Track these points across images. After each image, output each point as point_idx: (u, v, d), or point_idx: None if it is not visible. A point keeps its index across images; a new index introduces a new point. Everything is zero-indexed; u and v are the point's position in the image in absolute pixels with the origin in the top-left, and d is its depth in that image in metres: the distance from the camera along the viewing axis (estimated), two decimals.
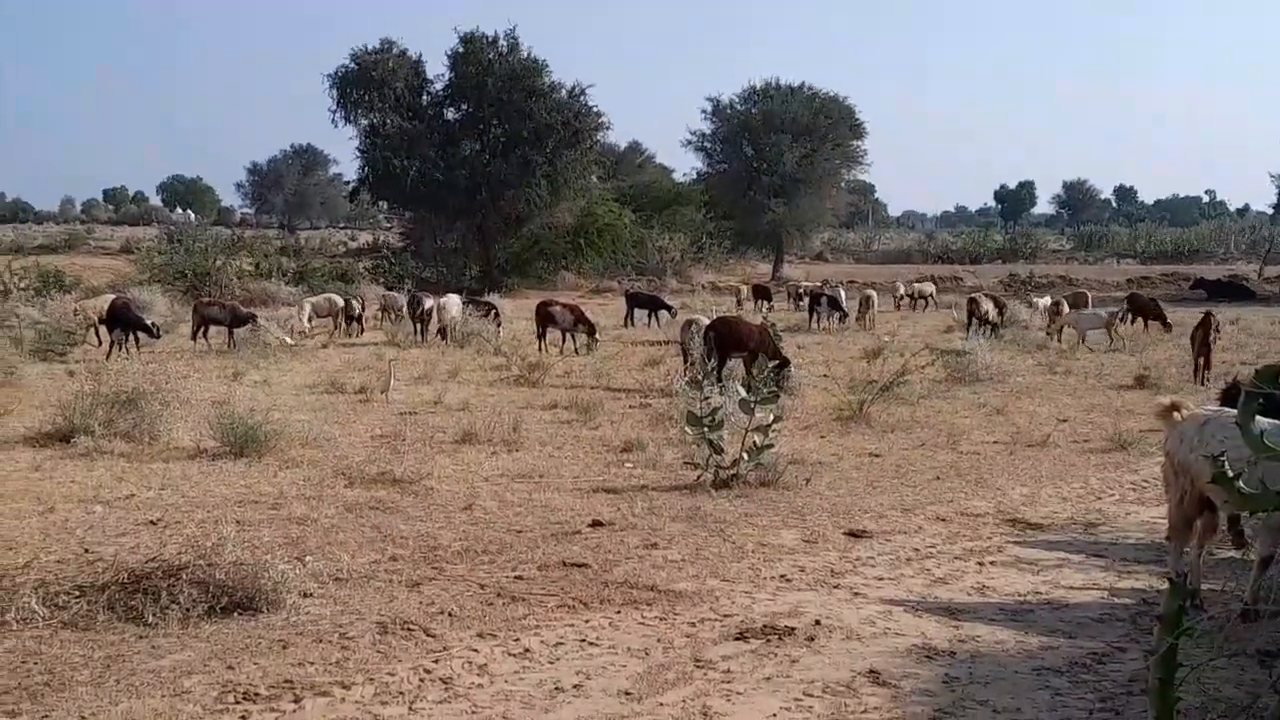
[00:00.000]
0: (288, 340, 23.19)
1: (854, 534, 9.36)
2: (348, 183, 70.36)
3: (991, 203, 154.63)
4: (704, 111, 67.80)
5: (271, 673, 6.05)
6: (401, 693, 5.85)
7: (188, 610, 6.76)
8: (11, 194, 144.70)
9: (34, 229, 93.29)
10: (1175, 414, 7.86)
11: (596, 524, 9.45)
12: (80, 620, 6.67)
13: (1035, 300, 34.03)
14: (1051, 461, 12.63)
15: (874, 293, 34.60)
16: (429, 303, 27.09)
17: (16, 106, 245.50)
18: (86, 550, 8.31)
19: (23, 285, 35.82)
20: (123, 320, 22.89)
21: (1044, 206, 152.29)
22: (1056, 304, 30.10)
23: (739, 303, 38.24)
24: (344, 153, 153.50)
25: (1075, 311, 29.00)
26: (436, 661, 6.28)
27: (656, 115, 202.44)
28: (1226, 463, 3.82)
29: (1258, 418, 5.13)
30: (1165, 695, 3.28)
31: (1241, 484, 3.83)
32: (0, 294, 33.57)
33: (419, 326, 26.52)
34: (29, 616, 6.61)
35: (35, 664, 6.11)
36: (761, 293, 40.58)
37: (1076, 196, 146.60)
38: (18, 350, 20.37)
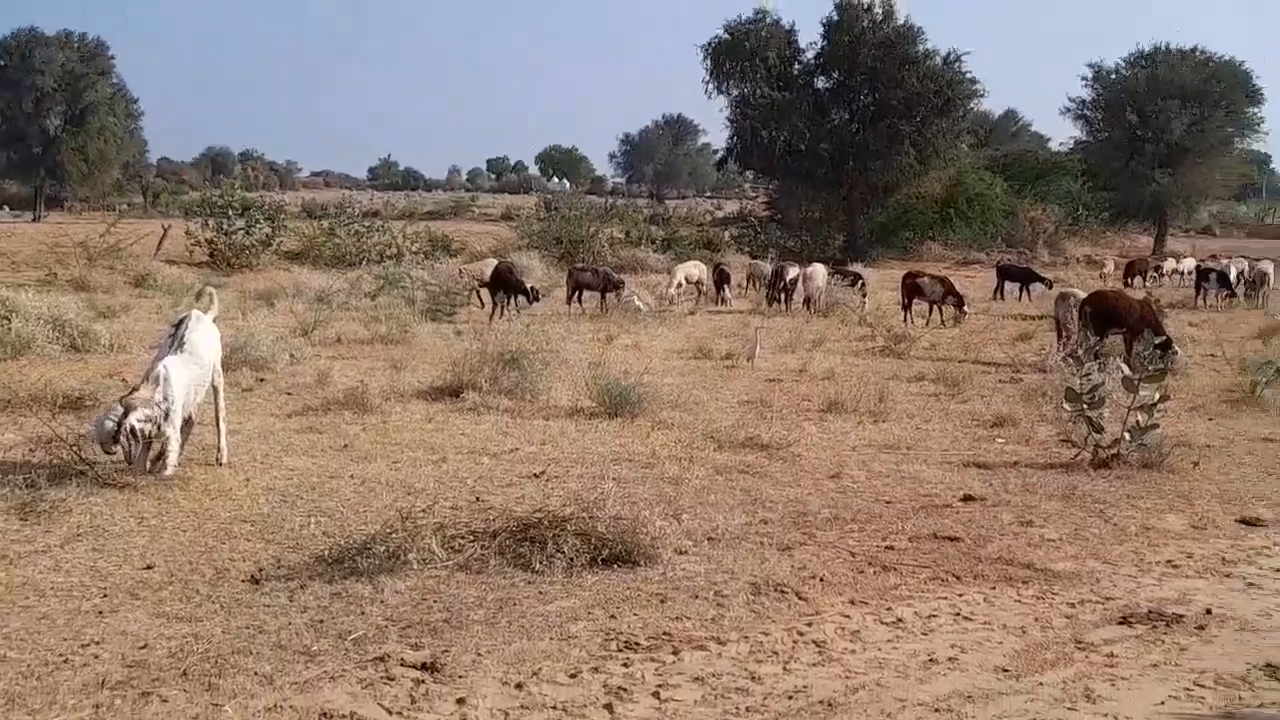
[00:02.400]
0: (648, 305, 23.67)
1: (1248, 522, 8.80)
2: (715, 152, 71.47)
3: None
4: (1084, 79, 65.29)
5: (651, 624, 6.25)
6: (775, 652, 5.92)
7: (571, 560, 7.06)
8: (404, 164, 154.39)
9: (423, 196, 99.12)
10: None
11: (968, 498, 9.26)
12: (474, 564, 7.06)
13: (1230, 265, 31.22)
14: None
15: (1270, 268, 32.23)
16: (793, 272, 27.20)
17: (408, 79, 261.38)
18: (478, 499, 8.81)
19: (414, 249, 38.25)
20: (505, 284, 24.06)
21: None
22: None
23: (1103, 278, 36.08)
24: (713, 123, 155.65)
25: None
26: (809, 625, 6.33)
27: (1034, 82, 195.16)
28: None
29: None
30: None
31: None
32: (394, 257, 35.96)
33: (783, 296, 26.67)
34: (429, 558, 7.04)
35: (435, 602, 6.52)
36: (1134, 269, 38.31)
37: None
38: (410, 310, 21.75)
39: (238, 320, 17.43)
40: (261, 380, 14.19)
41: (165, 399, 8.70)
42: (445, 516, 7.85)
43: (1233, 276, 30.55)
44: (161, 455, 8.76)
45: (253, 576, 6.91)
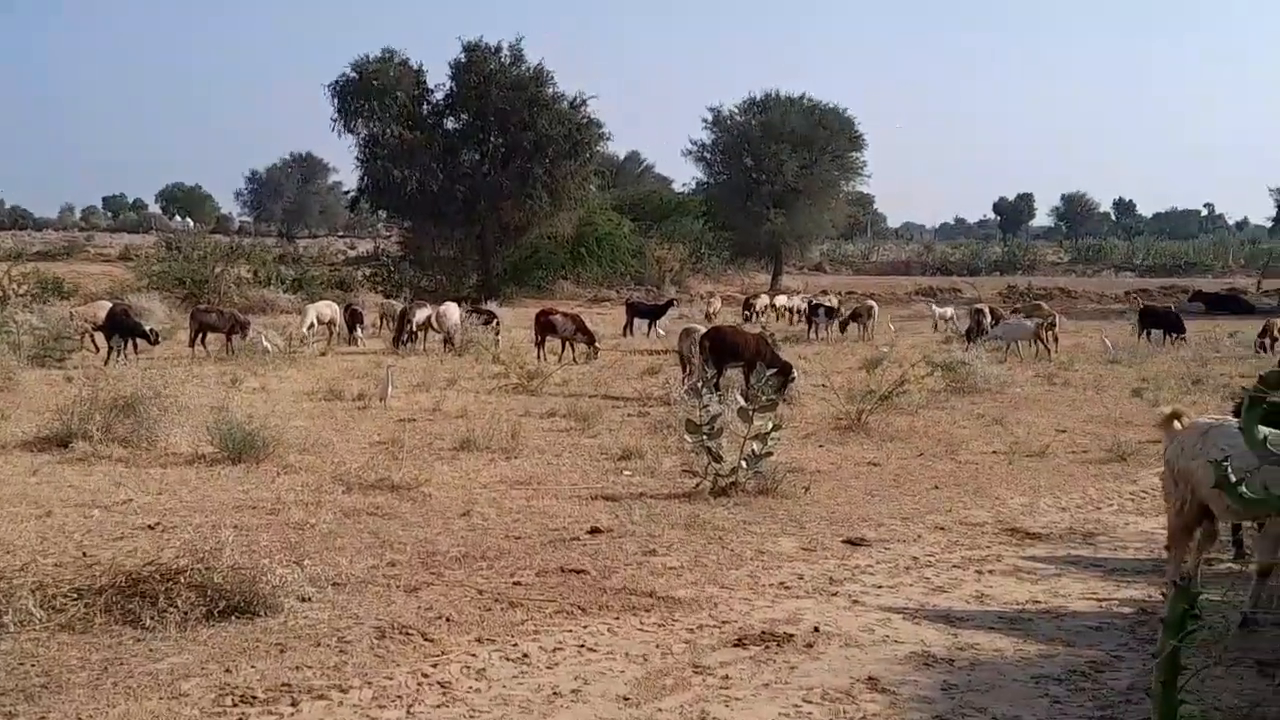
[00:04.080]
0: (277, 347, 22.99)
1: (853, 542, 9.35)
2: (347, 192, 70.38)
3: (990, 215, 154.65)
4: (704, 121, 67.92)
5: (269, 676, 6.04)
6: (399, 696, 5.84)
7: (185, 614, 6.75)
8: (11, 200, 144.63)
9: (33, 235, 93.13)
10: (1176, 423, 7.90)
11: (595, 531, 9.43)
12: (77, 623, 6.65)
13: (935, 308, 34.41)
14: (1050, 472, 12.61)
15: (874, 304, 34.59)
16: (422, 313, 27.09)
17: (17, 113, 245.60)
18: (84, 554, 8.31)
19: (21, 291, 35.81)
20: (121, 326, 22.87)
21: (1043, 219, 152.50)
22: (979, 313, 29.42)
23: (709, 317, 36.77)
24: (344, 161, 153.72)
25: (1002, 322, 28.46)
26: (434, 666, 6.27)
27: (656, 126, 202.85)
28: (1230, 468, 3.83)
29: (1261, 426, 5.12)
30: (1168, 698, 3.28)
31: (1244, 489, 3.83)
32: None
33: (408, 337, 26.47)
34: (26, 619, 6.59)
35: (32, 666, 6.09)
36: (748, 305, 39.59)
37: (1075, 209, 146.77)
38: (16, 356, 20.33)
39: None
40: None
41: None
42: (46, 574, 7.37)
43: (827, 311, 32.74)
44: None
45: None
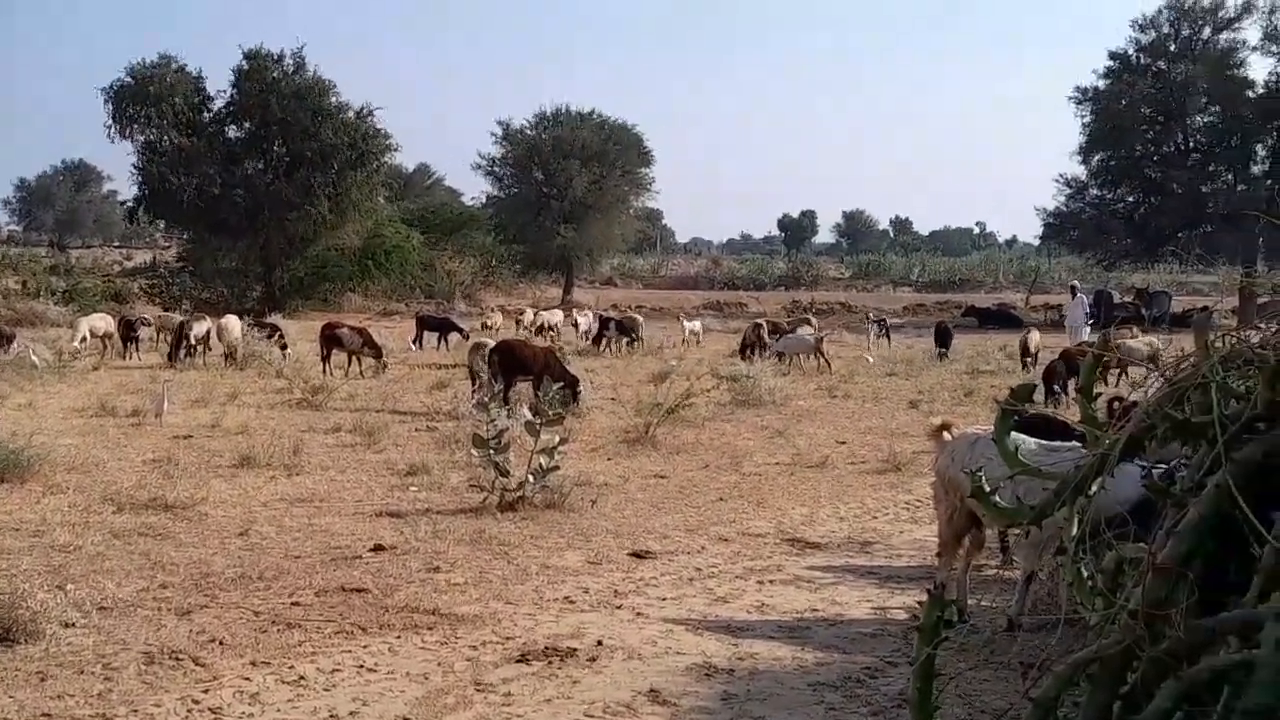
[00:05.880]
0: (45, 361, 22.01)
1: (638, 555, 9.42)
2: (123, 201, 67.93)
3: (775, 231, 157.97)
4: (494, 135, 67.68)
5: (29, 706, 5.76)
6: None
7: None
8: None
9: None
10: (945, 433, 8.19)
11: (378, 548, 9.28)
12: None
13: (685, 323, 35.69)
14: (830, 482, 12.94)
15: (639, 317, 35.34)
16: (199, 328, 26.31)
17: None
18: None
19: None
20: None
21: (825, 235, 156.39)
22: (757, 326, 30.07)
23: (487, 329, 36.11)
24: (120, 170, 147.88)
25: (784, 336, 29.24)
26: (206, 691, 6.07)
27: (446, 138, 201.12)
28: (984, 478, 3.98)
29: (1020, 436, 5.34)
30: (924, 704, 3.38)
31: (997, 498, 3.99)
32: None
33: (187, 351, 25.66)
34: None
35: None
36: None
37: (856, 226, 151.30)
38: None
39: None
40: None
41: None
42: None
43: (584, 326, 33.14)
44: None
45: None
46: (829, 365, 25.93)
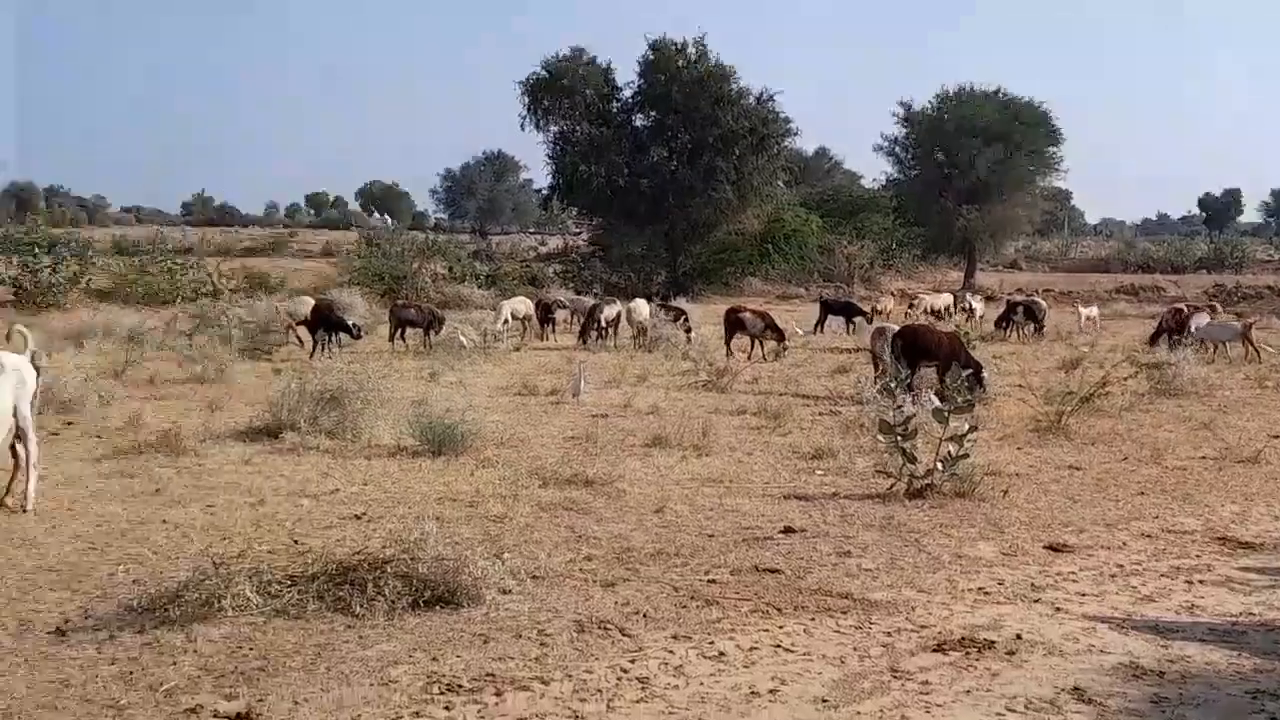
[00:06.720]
0: (473, 342, 23.46)
1: (1054, 548, 9.12)
2: (538, 190, 71.60)
3: (1195, 210, 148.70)
4: (895, 116, 66.89)
5: (474, 666, 6.19)
6: (599, 690, 5.91)
7: (393, 602, 6.96)
8: (220, 199, 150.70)
9: (240, 232, 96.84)
10: None
11: (788, 530, 9.40)
12: (291, 609, 6.91)
13: (1081, 309, 33.64)
14: (1263, 479, 12.08)
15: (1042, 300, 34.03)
16: (611, 310, 27.42)
17: (225, 116, 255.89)
18: (296, 541, 8.64)
19: (231, 286, 37.46)
20: (325, 321, 23.71)
21: (1251, 215, 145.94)
22: (1176, 312, 27.99)
23: (878, 314, 34.50)
24: (535, 159, 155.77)
25: (1207, 323, 26.98)
26: (633, 661, 6.33)
27: (845, 121, 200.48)
28: None
29: None
30: None
31: None
32: (210, 295, 35.17)
33: (598, 334, 26.81)
34: (244, 604, 6.86)
35: (250, 649, 6.36)
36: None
37: None
38: (227, 349, 21.26)
39: (41, 361, 16.84)
40: (69, 424, 13.74)
41: None
42: (261, 561, 7.67)
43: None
44: None
45: (58, 628, 6.65)
46: (1259, 354, 24.22)
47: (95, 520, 9.25)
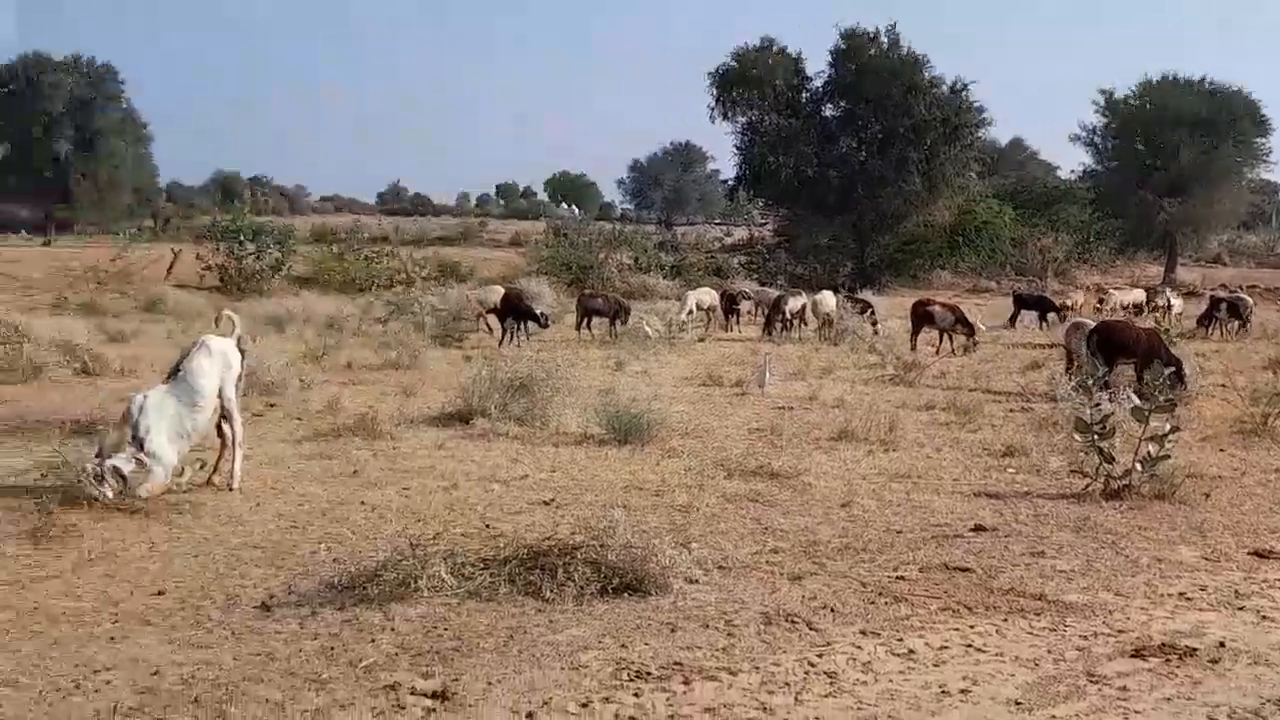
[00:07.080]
0: (658, 332, 23.58)
1: (1260, 554, 8.76)
2: (724, 181, 71.65)
3: None
4: (1095, 104, 65.00)
5: (661, 654, 6.23)
6: (787, 683, 5.90)
7: (582, 588, 7.06)
8: (413, 189, 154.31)
9: (433, 221, 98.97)
10: None
11: (979, 528, 9.23)
12: (484, 591, 7.06)
13: (1170, 299, 32.00)
14: None
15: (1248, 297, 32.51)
16: (795, 302, 27.27)
17: (418, 108, 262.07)
18: (487, 525, 8.83)
19: (424, 275, 38.42)
20: (515, 310, 24.15)
21: None
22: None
23: (1070, 309, 33.42)
24: (721, 149, 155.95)
25: None
26: (820, 655, 6.30)
27: (1040, 111, 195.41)
28: None
29: None
30: None
31: None
32: (404, 283, 36.13)
33: (781, 325, 26.69)
34: (439, 585, 7.04)
35: (445, 630, 6.52)
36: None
37: None
38: (420, 335, 21.83)
39: (246, 345, 17.57)
40: (272, 406, 14.26)
41: (141, 430, 9.03)
42: (455, 544, 7.87)
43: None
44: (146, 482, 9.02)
45: (263, 603, 6.92)
46: None
47: (297, 500, 9.60)
